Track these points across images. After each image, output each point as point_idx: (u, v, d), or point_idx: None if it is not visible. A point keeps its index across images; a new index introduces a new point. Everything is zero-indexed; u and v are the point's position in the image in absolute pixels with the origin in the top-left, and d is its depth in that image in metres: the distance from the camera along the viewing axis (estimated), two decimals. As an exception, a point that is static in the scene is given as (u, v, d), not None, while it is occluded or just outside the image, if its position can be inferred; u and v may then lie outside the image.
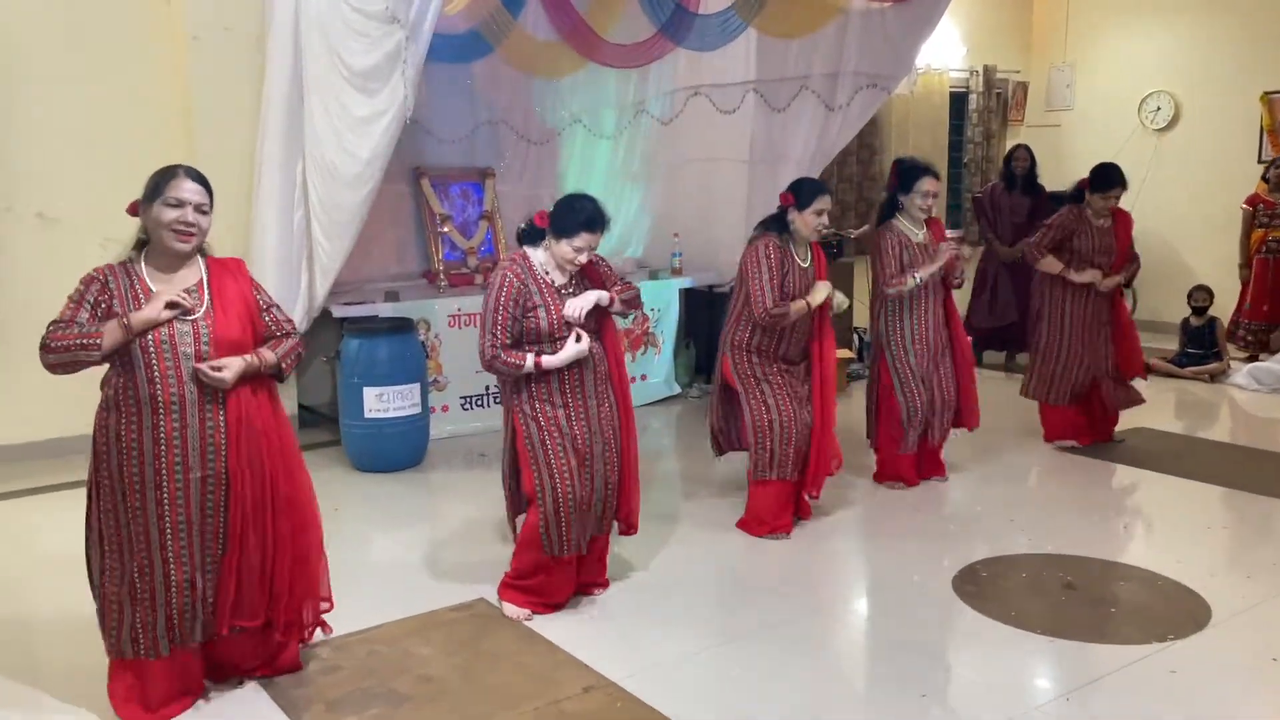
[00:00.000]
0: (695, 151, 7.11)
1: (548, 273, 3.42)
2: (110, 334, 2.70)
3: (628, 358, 6.65)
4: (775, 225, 4.15)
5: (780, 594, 3.72)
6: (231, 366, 2.79)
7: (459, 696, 3.02)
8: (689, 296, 7.01)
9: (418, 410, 5.30)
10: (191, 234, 2.80)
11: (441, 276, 6.43)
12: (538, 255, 3.44)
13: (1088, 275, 5.22)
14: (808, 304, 4.09)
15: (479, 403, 6.04)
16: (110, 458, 2.77)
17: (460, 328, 5.93)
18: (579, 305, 3.37)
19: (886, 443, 4.82)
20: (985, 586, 3.77)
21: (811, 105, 6.40)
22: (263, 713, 2.96)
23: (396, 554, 4.22)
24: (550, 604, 3.56)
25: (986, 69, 9.47)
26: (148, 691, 2.87)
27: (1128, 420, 6.06)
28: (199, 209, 2.80)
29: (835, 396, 4.33)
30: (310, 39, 4.92)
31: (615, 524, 3.68)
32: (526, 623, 3.49)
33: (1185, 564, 3.92)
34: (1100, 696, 2.98)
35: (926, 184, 4.58)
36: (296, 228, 5.20)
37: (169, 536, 2.79)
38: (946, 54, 9.12)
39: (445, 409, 5.90)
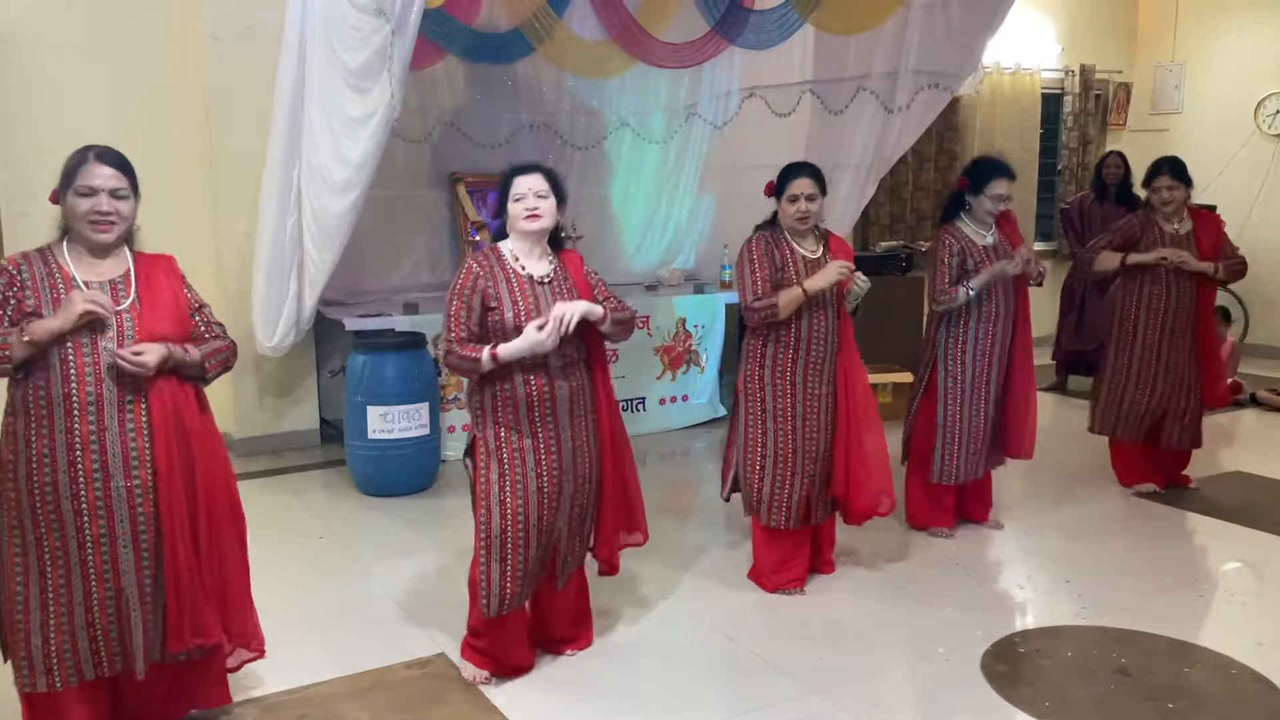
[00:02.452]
0: (749, 157, 6.64)
1: (517, 258, 3.03)
2: (16, 347, 2.43)
3: (667, 376, 6.25)
4: (767, 222, 3.72)
5: (775, 668, 3.23)
6: (153, 351, 2.50)
7: (377, 779, 2.66)
8: (738, 312, 6.53)
9: (426, 431, 4.98)
10: (110, 223, 2.54)
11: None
12: (507, 245, 3.07)
13: (1153, 255, 4.53)
14: (803, 290, 3.50)
15: (502, 423, 5.69)
16: (18, 468, 2.48)
17: (484, 343, 5.60)
18: (568, 310, 2.93)
19: (916, 477, 4.30)
20: (1021, 666, 3.22)
21: (870, 107, 5.90)
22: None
23: (367, 592, 3.87)
24: (509, 665, 3.16)
25: (1084, 69, 8.73)
26: None
27: (1220, 462, 5.38)
28: (115, 194, 2.54)
29: (874, 419, 3.74)
30: (313, 35, 4.65)
31: (597, 564, 3.27)
32: (484, 688, 3.10)
33: (1268, 647, 3.30)
34: (1138, 826, 2.45)
35: (1000, 186, 4.03)
36: (289, 234, 4.95)
37: (89, 552, 2.49)
38: (1038, 53, 8.44)
39: (466, 429, 5.56)
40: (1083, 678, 3.16)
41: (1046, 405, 6.92)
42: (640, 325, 6.17)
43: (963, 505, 4.42)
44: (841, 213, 6.40)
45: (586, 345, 3.11)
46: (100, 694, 2.65)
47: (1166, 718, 2.92)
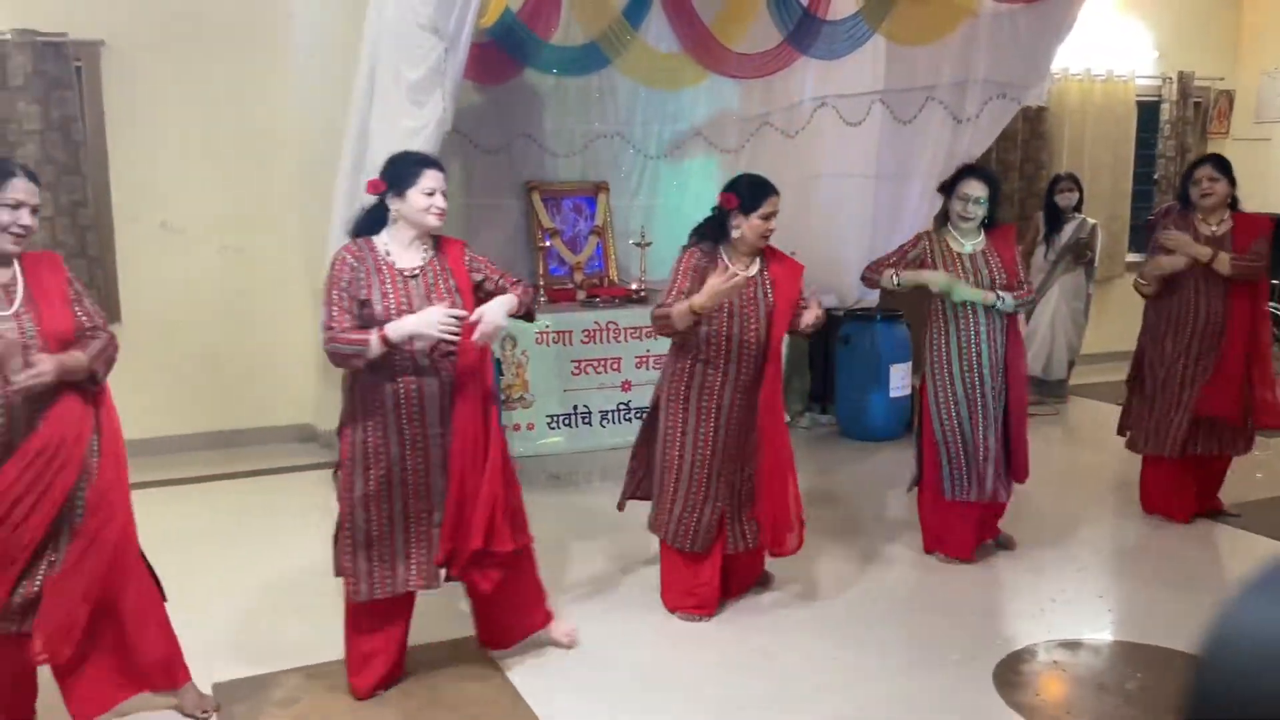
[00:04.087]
0: (820, 166, 6.69)
1: (389, 252, 3.00)
2: None
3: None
4: (711, 232, 3.50)
5: (780, 667, 3.32)
6: (46, 362, 2.55)
7: (394, 746, 2.87)
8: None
9: (487, 427, 5.20)
10: (23, 236, 2.66)
11: (541, 291, 6.34)
12: (380, 238, 3.02)
13: (1167, 263, 4.37)
14: (690, 308, 3.27)
15: (566, 421, 5.90)
16: None
17: (549, 344, 5.82)
18: (489, 326, 2.90)
19: (928, 500, 4.18)
20: (1033, 676, 3.25)
21: (939, 117, 5.89)
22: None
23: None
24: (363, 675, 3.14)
25: (1182, 76, 8.46)
26: None
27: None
28: (34, 210, 2.67)
29: (783, 442, 3.52)
30: (381, 49, 4.94)
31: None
32: (506, 671, 3.29)
33: (1297, 671, 3.23)
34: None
35: (969, 186, 3.93)
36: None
37: None
38: (1133, 59, 8.23)
39: (530, 427, 5.80)
40: (1096, 690, 3.17)
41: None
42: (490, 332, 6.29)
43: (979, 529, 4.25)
44: (911, 223, 6.40)
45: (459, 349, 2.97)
46: None
47: (1171, 733, 2.92)
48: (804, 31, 6.04)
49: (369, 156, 5.15)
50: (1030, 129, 7.90)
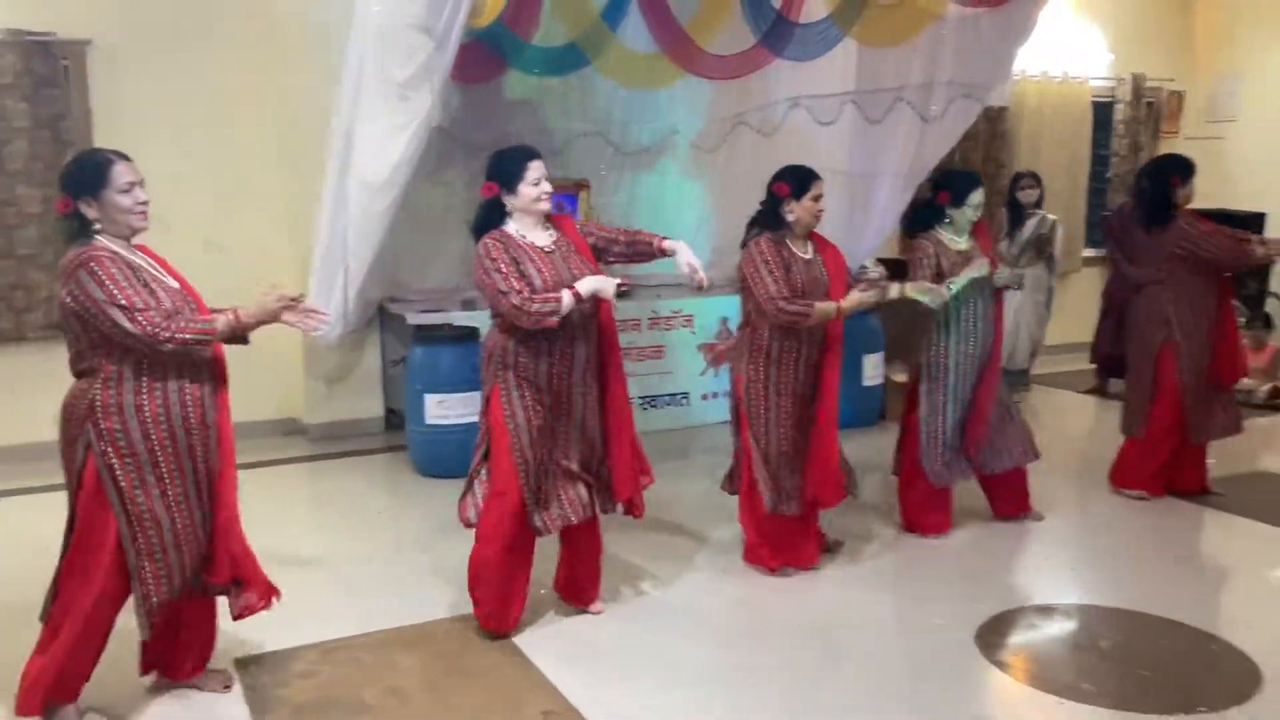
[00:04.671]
0: (793, 164, 6.89)
1: (524, 236, 3.35)
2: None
3: (710, 372, 6.55)
4: (769, 222, 3.87)
5: (781, 636, 3.52)
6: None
7: (417, 712, 3.02)
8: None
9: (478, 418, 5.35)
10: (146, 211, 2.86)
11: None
12: (510, 226, 3.37)
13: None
14: (838, 308, 3.75)
15: (551, 413, 6.05)
16: (137, 446, 2.80)
17: (535, 338, 5.97)
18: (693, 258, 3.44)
19: (909, 480, 4.44)
20: (1013, 638, 3.47)
21: (907, 117, 6.12)
22: (230, 709, 3.03)
23: (422, 560, 4.25)
24: (503, 611, 3.47)
25: (1135, 77, 8.80)
26: None
27: (1250, 463, 5.50)
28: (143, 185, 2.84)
29: (834, 420, 3.91)
30: (367, 49, 5.07)
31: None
32: (516, 640, 3.45)
33: (1255, 629, 3.49)
34: (1096, 772, 2.69)
35: (980, 195, 4.27)
36: (340, 232, 5.37)
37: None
38: (1088, 61, 8.54)
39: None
40: (1069, 649, 3.40)
41: (1086, 408, 7.14)
42: (685, 324, 6.52)
43: (995, 503, 4.57)
44: (881, 218, 6.64)
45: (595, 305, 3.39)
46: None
47: (1141, 685, 3.14)
48: (777, 34, 6.24)
49: (355, 153, 5.29)
50: (991, 129, 8.17)
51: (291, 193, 5.90)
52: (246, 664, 3.27)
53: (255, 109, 5.93)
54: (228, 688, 3.13)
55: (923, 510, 4.42)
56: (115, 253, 2.77)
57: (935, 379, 4.29)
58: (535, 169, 3.33)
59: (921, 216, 4.42)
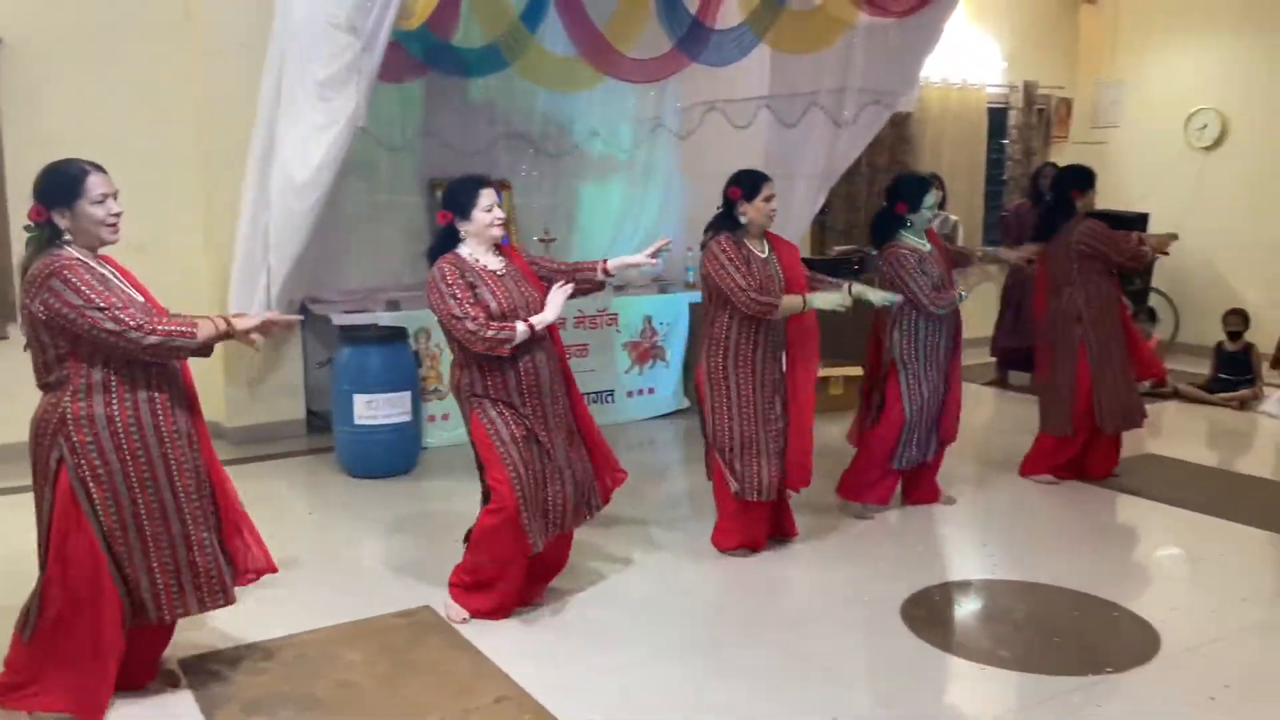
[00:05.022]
0: (710, 166, 7.02)
1: (478, 260, 3.48)
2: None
3: (635, 370, 6.70)
4: (724, 224, 4.07)
5: (720, 614, 3.70)
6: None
7: (371, 703, 3.06)
8: (701, 311, 6.97)
9: (408, 418, 5.39)
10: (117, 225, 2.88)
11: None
12: (464, 250, 3.50)
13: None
14: (804, 300, 3.97)
15: (478, 412, 6.10)
16: (106, 450, 2.81)
17: (460, 338, 6.01)
18: (559, 300, 3.50)
19: (872, 459, 4.68)
20: (934, 611, 3.69)
21: (821, 121, 6.36)
22: (181, 707, 3.03)
23: (357, 559, 4.28)
24: (500, 605, 3.59)
25: (1027, 84, 9.25)
26: None
27: (1139, 447, 5.87)
28: (116, 197, 2.86)
29: (810, 408, 4.20)
30: (289, 49, 5.07)
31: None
32: (461, 627, 3.52)
33: (1151, 596, 3.79)
34: (1017, 730, 2.90)
35: (935, 196, 4.58)
36: (261, 232, 5.35)
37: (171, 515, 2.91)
38: (984, 69, 8.96)
39: (445, 418, 5.97)
40: (987, 621, 3.63)
41: (988, 399, 7.49)
42: (610, 323, 6.64)
43: (911, 489, 4.81)
44: (797, 219, 6.86)
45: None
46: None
47: (1051, 650, 3.38)
48: (693, 39, 6.39)
49: (277, 153, 5.27)
50: (896, 133, 8.50)
51: (211, 192, 5.83)
52: (191, 664, 3.27)
53: (173, 108, 5.84)
54: (175, 687, 3.13)
55: (868, 484, 4.69)
56: (85, 261, 2.77)
57: (911, 371, 4.53)
58: (487, 196, 3.49)
59: (885, 226, 4.62)
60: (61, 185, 2.80)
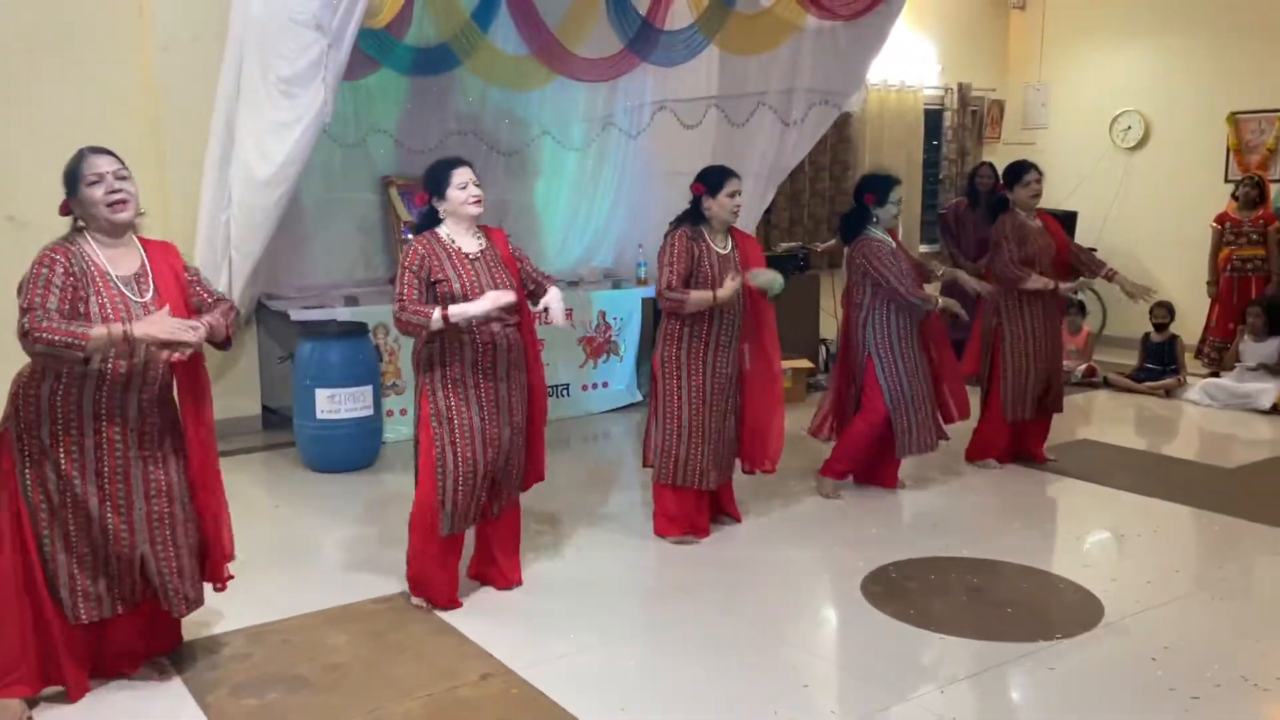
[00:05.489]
0: (660, 164, 7.25)
1: (453, 241, 3.54)
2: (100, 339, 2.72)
3: (589, 364, 6.81)
4: (689, 219, 4.19)
5: (688, 593, 3.83)
6: (200, 327, 2.88)
7: (358, 684, 3.14)
8: (653, 306, 7.12)
9: (370, 412, 5.44)
10: (124, 200, 2.87)
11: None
12: (443, 229, 3.57)
13: (1040, 282, 5.15)
14: (713, 295, 4.04)
15: (436, 407, 6.17)
16: (42, 427, 2.84)
17: (419, 333, 6.07)
18: (557, 307, 3.67)
19: (852, 444, 4.88)
20: (892, 587, 3.87)
21: (769, 120, 6.55)
22: (170, 694, 3.08)
23: (327, 550, 4.35)
24: (442, 593, 3.66)
25: (961, 87, 9.58)
26: None
27: (1073, 433, 6.17)
28: (118, 175, 2.87)
29: (780, 394, 4.40)
30: (249, 44, 5.09)
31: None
32: (442, 615, 3.61)
33: (1092, 569, 4.02)
34: (973, 690, 3.09)
35: (901, 191, 4.80)
36: (222, 229, 5.37)
37: (109, 510, 2.89)
38: (921, 72, 9.25)
39: (404, 412, 6.03)
40: (941, 594, 3.83)
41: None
42: (565, 318, 6.73)
43: (872, 471, 5.04)
44: (744, 216, 7.02)
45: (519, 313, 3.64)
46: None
47: (1004, 620, 3.60)
48: (643, 40, 6.52)
49: (237, 149, 5.29)
50: (837, 134, 8.72)
51: (168, 188, 5.79)
52: (175, 652, 3.31)
53: (127, 103, 5.80)
54: (165, 676, 3.17)
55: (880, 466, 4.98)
56: (75, 253, 2.80)
57: (888, 362, 4.73)
58: (461, 174, 3.55)
59: (854, 222, 4.81)
60: (68, 173, 2.88)
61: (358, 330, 5.52)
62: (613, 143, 7.40)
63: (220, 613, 3.53)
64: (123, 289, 2.87)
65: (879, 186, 4.77)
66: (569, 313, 3.84)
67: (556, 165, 7.50)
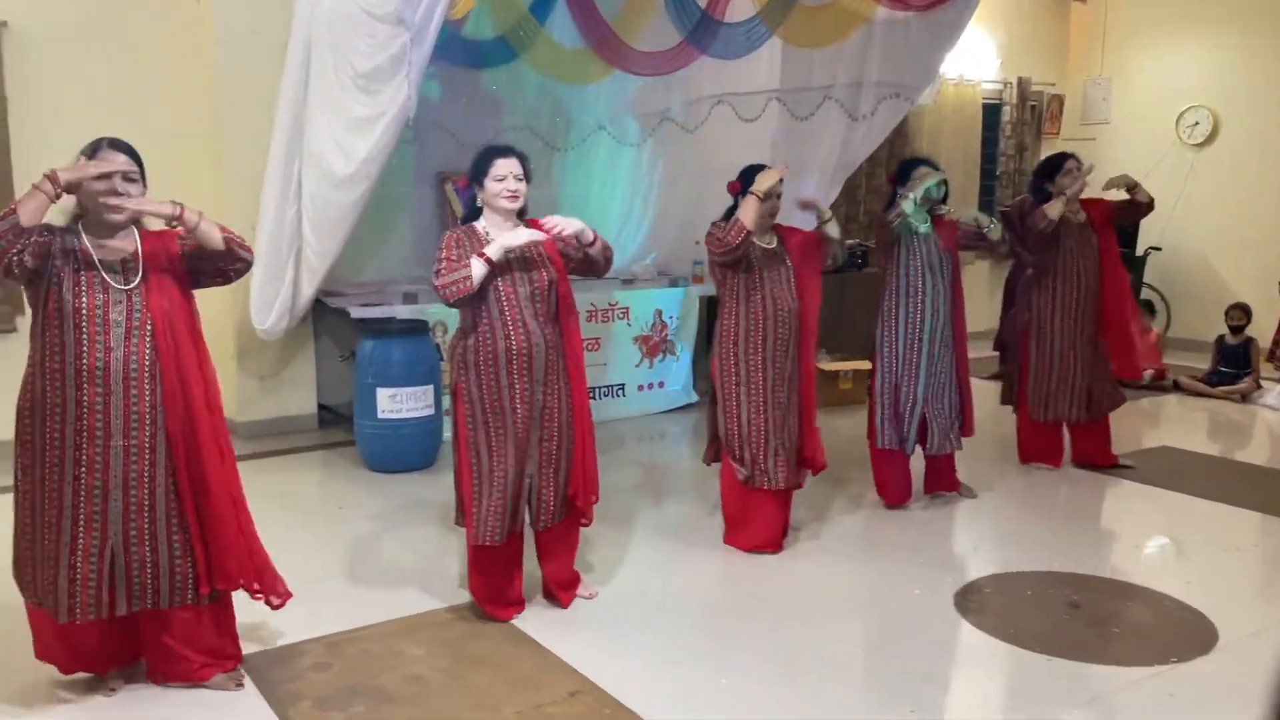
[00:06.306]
0: (718, 159, 7.05)
1: (488, 233, 3.35)
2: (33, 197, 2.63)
3: (645, 364, 6.67)
4: (728, 217, 4.04)
5: (771, 608, 3.67)
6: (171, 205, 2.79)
7: (443, 697, 3.02)
8: (710, 305, 6.97)
9: (431, 412, 5.33)
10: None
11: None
12: (479, 223, 3.41)
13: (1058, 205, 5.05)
14: (755, 195, 3.87)
15: (494, 406, 6.06)
16: (34, 416, 2.77)
17: (477, 331, 5.96)
18: (560, 221, 3.36)
19: (872, 453, 4.72)
20: (987, 603, 3.71)
21: (835, 115, 6.37)
22: (250, 706, 2.98)
23: (395, 554, 4.24)
24: (497, 602, 3.53)
25: (1021, 81, 9.36)
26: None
27: (1143, 439, 5.97)
28: (126, 177, 2.79)
29: (812, 392, 4.21)
30: (319, 39, 4.98)
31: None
32: (517, 625, 3.49)
33: (1195, 586, 3.83)
34: (1093, 718, 2.92)
35: (922, 174, 4.54)
36: (289, 225, 5.26)
37: (82, 500, 2.77)
38: (980, 66, 9.04)
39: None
40: (1040, 611, 3.65)
41: (991, 393, 7.54)
42: (621, 316, 6.61)
43: (932, 479, 4.84)
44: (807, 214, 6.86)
45: (559, 313, 3.43)
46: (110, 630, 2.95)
47: (1111, 641, 3.42)
48: (702, 32, 6.38)
49: (311, 145, 5.19)
50: (894, 129, 8.52)
51: (227, 184, 5.72)
52: (251, 660, 3.21)
53: (185, 96, 5.74)
54: (240, 685, 3.07)
55: (883, 477, 4.72)
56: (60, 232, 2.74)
57: (886, 355, 4.57)
58: (502, 165, 3.34)
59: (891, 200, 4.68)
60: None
61: (419, 328, 5.41)
62: (669, 137, 7.26)
63: (291, 621, 3.41)
64: (105, 276, 2.78)
65: (903, 170, 4.65)
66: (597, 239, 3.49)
67: (612, 160, 7.37)
